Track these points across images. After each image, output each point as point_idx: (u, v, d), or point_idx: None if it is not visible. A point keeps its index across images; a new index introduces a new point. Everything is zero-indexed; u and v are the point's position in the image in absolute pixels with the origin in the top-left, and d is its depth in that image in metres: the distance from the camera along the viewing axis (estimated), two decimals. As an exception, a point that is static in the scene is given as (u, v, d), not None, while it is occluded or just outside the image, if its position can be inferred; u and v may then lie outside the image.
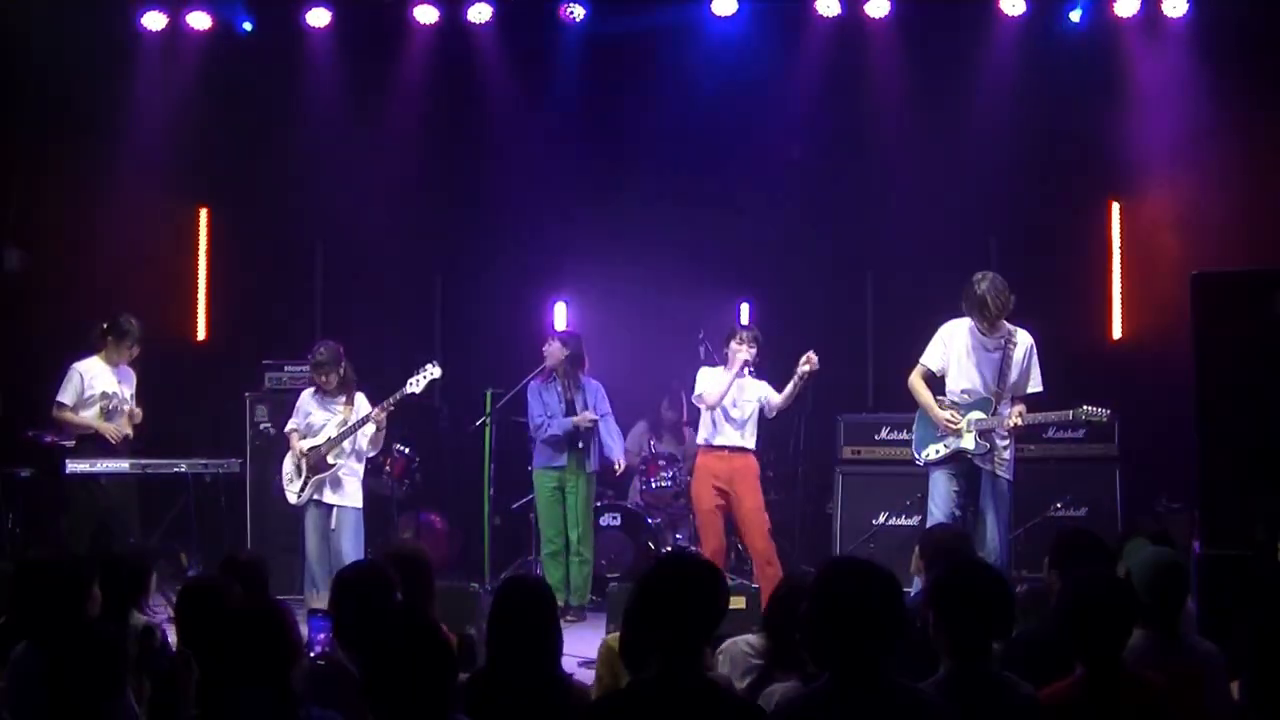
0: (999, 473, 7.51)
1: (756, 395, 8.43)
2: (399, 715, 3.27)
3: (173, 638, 4.83)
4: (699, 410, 8.58)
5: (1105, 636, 3.79)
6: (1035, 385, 7.62)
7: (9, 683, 4.24)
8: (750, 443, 8.46)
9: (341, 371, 8.39)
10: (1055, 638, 3.91)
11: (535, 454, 9.15)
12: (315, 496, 8.32)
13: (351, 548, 8.23)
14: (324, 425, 8.38)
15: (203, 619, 4.33)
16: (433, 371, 8.41)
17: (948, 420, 7.52)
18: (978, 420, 7.51)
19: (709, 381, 8.45)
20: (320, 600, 6.36)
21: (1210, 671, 4.28)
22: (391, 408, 8.28)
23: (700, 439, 8.57)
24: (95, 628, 3.80)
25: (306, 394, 8.55)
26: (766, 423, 8.62)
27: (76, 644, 3.62)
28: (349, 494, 8.37)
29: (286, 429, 8.55)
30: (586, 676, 5.03)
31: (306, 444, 8.34)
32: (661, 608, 3.41)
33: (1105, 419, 7.58)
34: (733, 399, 8.40)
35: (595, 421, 8.99)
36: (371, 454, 8.54)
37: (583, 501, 8.98)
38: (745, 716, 3.37)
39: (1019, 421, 7.45)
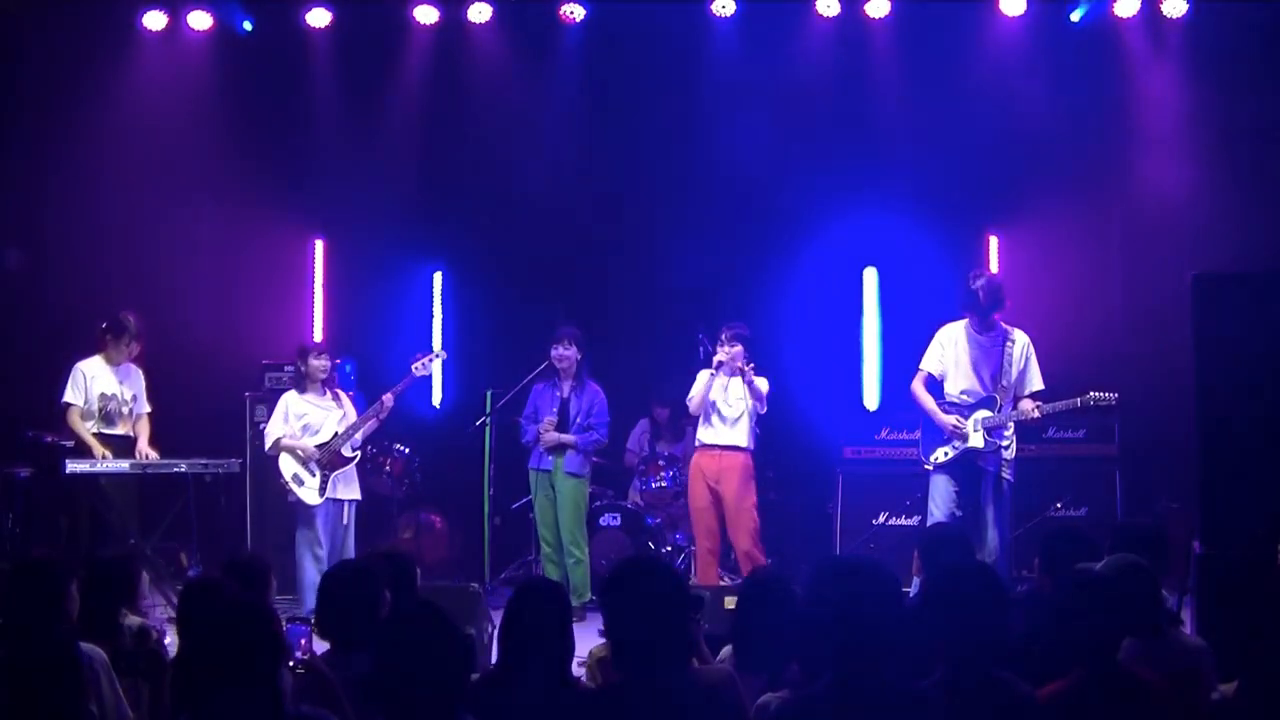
0: (1001, 473, 7.53)
1: (745, 394, 8.43)
2: (409, 710, 3.26)
3: (172, 637, 4.82)
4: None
5: (1098, 637, 3.78)
6: (1036, 383, 7.67)
7: None
8: (742, 440, 8.48)
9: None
10: (1053, 639, 3.90)
11: (530, 453, 9.02)
12: (331, 494, 8.35)
13: (354, 543, 8.35)
14: (323, 423, 8.40)
15: (203, 617, 4.31)
16: (439, 354, 8.66)
17: (954, 425, 7.53)
18: (985, 419, 7.57)
19: (696, 385, 8.54)
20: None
21: (1201, 668, 4.28)
22: (400, 394, 8.45)
23: (697, 439, 8.63)
24: (60, 639, 3.78)
25: (290, 398, 8.52)
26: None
27: (41, 653, 3.60)
28: (357, 489, 8.52)
29: (274, 436, 8.45)
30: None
31: (315, 441, 8.34)
32: (621, 612, 3.51)
33: (1114, 401, 7.63)
34: (723, 398, 8.45)
35: (560, 443, 8.75)
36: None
37: (570, 502, 8.81)
38: (721, 705, 3.41)
39: (1037, 414, 7.52)
